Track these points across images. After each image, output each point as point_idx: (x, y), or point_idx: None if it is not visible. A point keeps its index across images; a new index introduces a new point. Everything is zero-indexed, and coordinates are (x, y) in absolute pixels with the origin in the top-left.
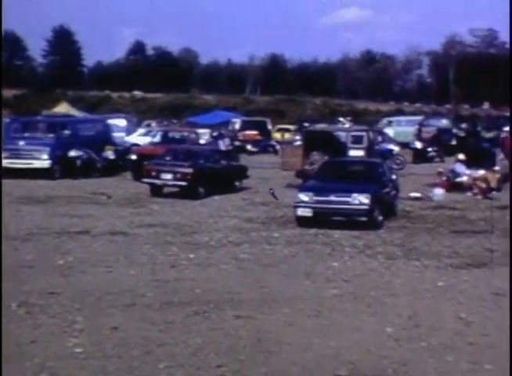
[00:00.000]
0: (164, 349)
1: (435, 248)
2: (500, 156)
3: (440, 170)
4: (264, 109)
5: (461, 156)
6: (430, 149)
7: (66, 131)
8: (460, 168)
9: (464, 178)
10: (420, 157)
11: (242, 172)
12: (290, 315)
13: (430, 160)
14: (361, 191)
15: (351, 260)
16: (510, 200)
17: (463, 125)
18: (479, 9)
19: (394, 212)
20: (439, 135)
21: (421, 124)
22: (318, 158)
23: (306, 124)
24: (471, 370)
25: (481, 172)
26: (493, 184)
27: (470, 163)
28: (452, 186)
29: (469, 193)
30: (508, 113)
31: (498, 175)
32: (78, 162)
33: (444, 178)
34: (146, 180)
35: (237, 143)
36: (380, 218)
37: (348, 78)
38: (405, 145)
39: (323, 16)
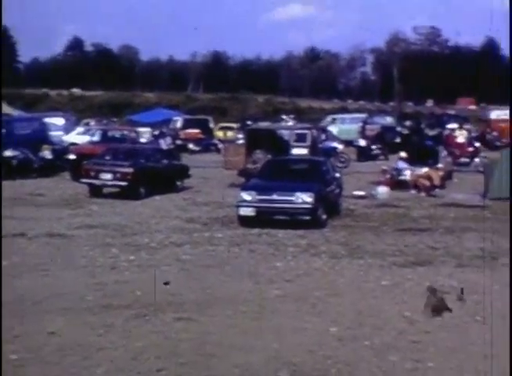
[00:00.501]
0: (103, 354)
1: (379, 247)
2: (443, 153)
3: (384, 168)
4: (206, 107)
5: (403, 154)
6: (374, 146)
7: (1, 131)
8: (403, 165)
9: (408, 176)
10: (363, 154)
11: (183, 172)
12: (232, 317)
13: (374, 157)
14: (304, 190)
15: (295, 260)
16: (510, 199)
17: (407, 123)
18: (422, 7)
19: (338, 211)
20: (383, 132)
21: (365, 122)
22: (261, 157)
23: (249, 123)
24: (415, 368)
25: (425, 170)
26: (436, 182)
27: (413, 160)
28: (396, 183)
29: (412, 191)
30: (452, 111)
31: (441, 173)
32: (14, 162)
33: (388, 176)
34: (84, 180)
35: (179, 142)
36: (324, 216)
37: (292, 76)
38: (348, 143)
39: (266, 12)
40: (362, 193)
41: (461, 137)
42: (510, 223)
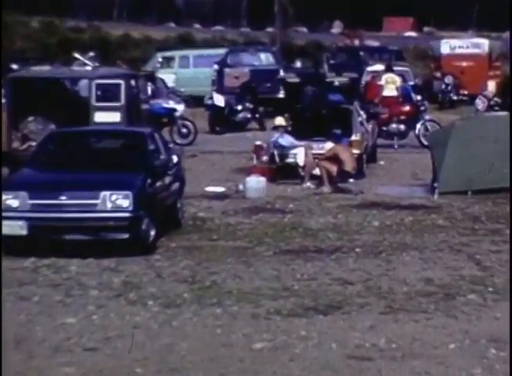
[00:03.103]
0: None
1: (251, 284)
2: (360, 117)
3: (257, 144)
4: None
5: (280, 120)
6: (239, 106)
7: None
8: (289, 139)
9: (299, 159)
10: (221, 121)
11: None
12: None
13: (240, 126)
14: (116, 187)
15: (102, 312)
16: (510, 198)
17: (297, 64)
18: None
19: (178, 221)
20: (254, 81)
21: (222, 64)
22: (36, 128)
23: (14, 67)
24: None
25: (328, 147)
26: (349, 166)
27: (307, 131)
28: (279, 171)
29: (308, 183)
30: (375, 43)
31: (356, 151)
32: None
33: (264, 158)
34: None
35: None
36: (153, 232)
37: None
38: (197, 100)
39: None
40: (220, 188)
41: (390, 87)
42: (510, 222)
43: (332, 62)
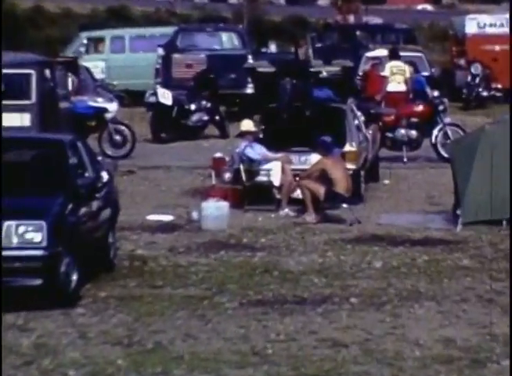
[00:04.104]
0: None
1: (208, 347)
2: (356, 119)
3: (218, 156)
4: None
5: (248, 124)
6: (193, 106)
7: None
8: (259, 150)
9: (274, 177)
10: (168, 125)
11: None
12: None
13: (193, 132)
14: (24, 216)
15: None
16: (510, 200)
17: (272, 48)
18: None
19: (110, 262)
20: (213, 71)
21: (170, 47)
22: None
23: None
24: None
25: (314, 161)
26: (341, 186)
27: (285, 139)
28: (246, 193)
29: (286, 210)
30: (376, 19)
31: (352, 165)
32: None
33: (227, 176)
34: None
35: None
36: (75, 277)
37: None
38: (135, 97)
39: None
40: (166, 217)
41: (397, 80)
42: (510, 232)
43: (318, 45)
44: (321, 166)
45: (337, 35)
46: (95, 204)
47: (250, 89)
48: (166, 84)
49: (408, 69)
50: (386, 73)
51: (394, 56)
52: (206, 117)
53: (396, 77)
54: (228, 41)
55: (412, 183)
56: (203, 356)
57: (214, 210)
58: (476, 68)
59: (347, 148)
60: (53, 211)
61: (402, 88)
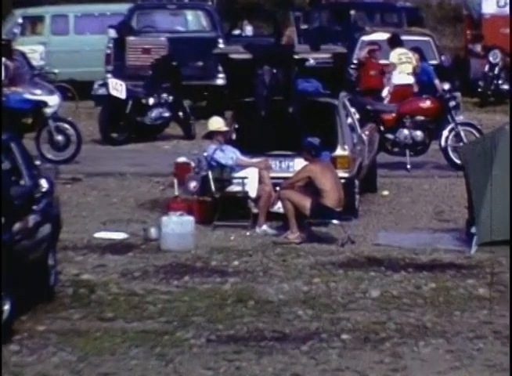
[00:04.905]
0: None
1: None
2: (351, 115)
3: (181, 161)
4: None
5: (218, 122)
6: (151, 100)
7: None
8: (231, 155)
9: (250, 186)
10: (121, 123)
11: None
12: None
13: (151, 131)
14: None
15: None
16: (510, 202)
17: (247, 29)
18: None
19: (50, 289)
20: (176, 58)
21: (123, 29)
22: None
23: None
24: None
25: (298, 167)
26: (331, 198)
27: (263, 140)
28: (217, 206)
29: (264, 227)
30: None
31: (344, 173)
32: None
33: (192, 185)
34: None
35: None
36: (7, 307)
37: None
38: (81, 89)
39: None
40: (118, 235)
41: (405, 69)
42: (510, 228)
43: (304, 27)
44: (307, 174)
45: (327, 15)
46: (31, 219)
47: (220, 80)
48: (118, 74)
49: (413, 56)
50: (393, 60)
51: (395, 41)
52: (167, 114)
53: (404, 67)
54: (194, 21)
55: (417, 195)
56: None
57: (177, 226)
58: (495, 56)
59: (339, 152)
60: None
61: (411, 79)
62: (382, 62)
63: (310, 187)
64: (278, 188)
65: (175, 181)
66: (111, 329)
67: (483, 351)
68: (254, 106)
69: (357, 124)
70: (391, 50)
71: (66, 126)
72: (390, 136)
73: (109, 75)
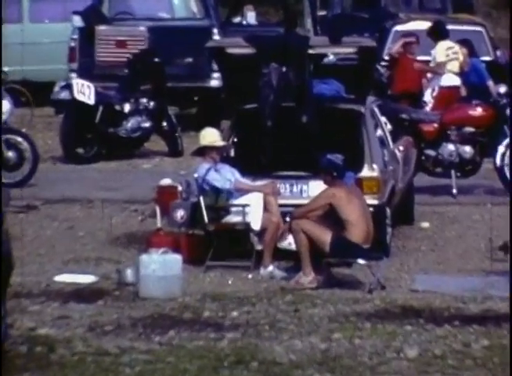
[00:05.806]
0: None
1: None
2: (381, 126)
3: (165, 184)
4: None
5: (212, 135)
6: (127, 106)
7: None
8: (228, 176)
9: (252, 216)
10: (89, 135)
11: None
12: None
13: (128, 145)
14: None
15: None
16: (510, 202)
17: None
18: None
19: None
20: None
21: (92, 16)
22: None
23: None
24: None
25: (315, 192)
26: (356, 231)
27: (268, 157)
28: (210, 241)
29: (270, 268)
30: None
31: (373, 200)
32: None
33: (179, 214)
34: None
35: None
36: None
37: None
38: (38, 92)
39: None
40: (85, 278)
41: (453, 67)
42: (510, 223)
43: (322, 13)
44: (327, 200)
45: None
46: None
47: (215, 81)
48: (85, 73)
49: (461, 51)
50: (440, 58)
51: (438, 34)
52: (147, 124)
53: (451, 65)
54: (181, 5)
55: (465, 227)
56: None
57: (160, 267)
58: None
59: (366, 173)
60: None
61: (457, 81)
62: (420, 58)
63: (330, 217)
64: (288, 218)
65: (158, 209)
66: None
67: None
68: (257, 115)
69: (389, 137)
70: (435, 43)
71: (19, 139)
72: (431, 153)
73: (73, 75)
